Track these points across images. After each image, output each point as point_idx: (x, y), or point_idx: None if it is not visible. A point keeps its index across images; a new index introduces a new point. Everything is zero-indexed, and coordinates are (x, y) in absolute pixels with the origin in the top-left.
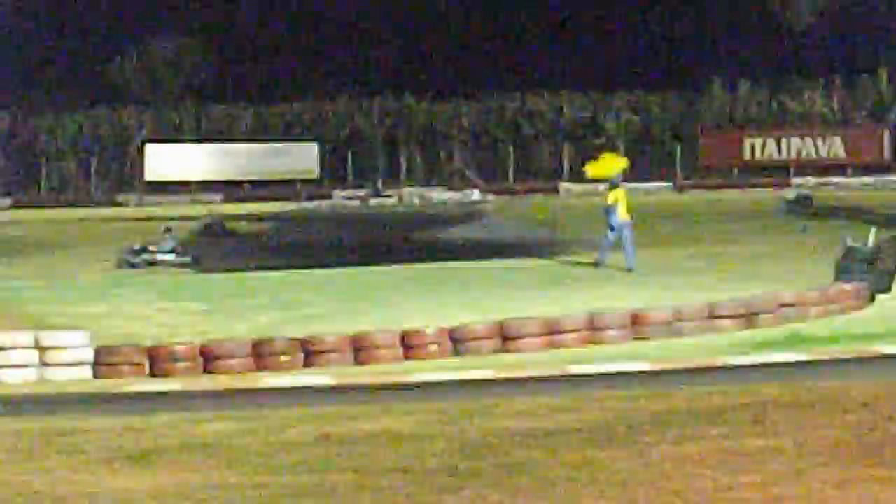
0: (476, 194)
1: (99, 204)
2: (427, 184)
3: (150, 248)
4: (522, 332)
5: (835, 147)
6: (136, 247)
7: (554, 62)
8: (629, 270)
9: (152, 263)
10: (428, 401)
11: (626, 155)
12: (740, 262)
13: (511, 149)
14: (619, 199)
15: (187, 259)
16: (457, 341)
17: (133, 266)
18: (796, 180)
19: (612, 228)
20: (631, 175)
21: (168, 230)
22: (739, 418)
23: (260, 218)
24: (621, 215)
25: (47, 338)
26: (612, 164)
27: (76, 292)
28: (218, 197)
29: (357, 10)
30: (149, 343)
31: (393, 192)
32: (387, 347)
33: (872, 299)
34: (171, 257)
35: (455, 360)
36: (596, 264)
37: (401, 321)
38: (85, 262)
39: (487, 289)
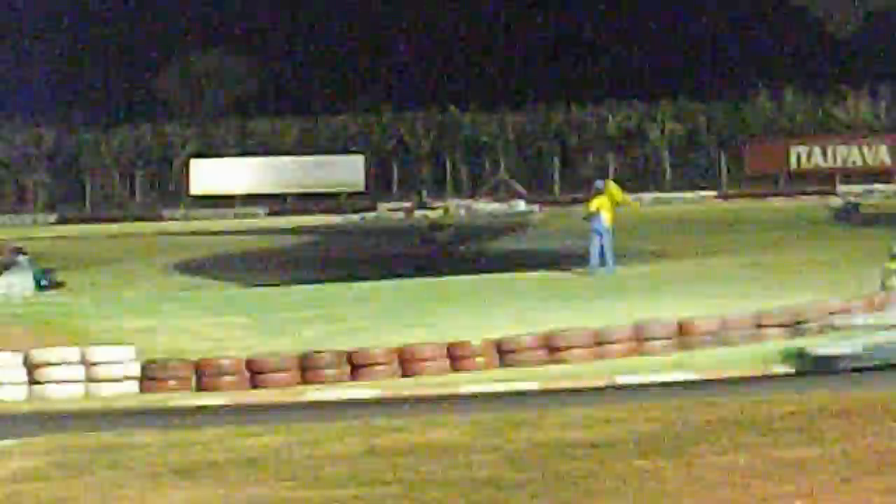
0: (522, 205)
1: (144, 219)
2: (472, 195)
3: None
4: (569, 343)
5: (881, 155)
6: None
7: (598, 72)
8: (604, 274)
9: None
10: (475, 412)
11: (670, 164)
12: (786, 271)
13: (556, 159)
14: (601, 206)
15: (44, 283)
16: (503, 353)
17: None
18: (842, 188)
19: (600, 234)
20: (676, 184)
21: (19, 250)
22: (786, 428)
23: None
24: (605, 221)
25: (94, 353)
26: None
27: (121, 307)
28: (263, 210)
29: (402, 22)
30: (195, 358)
31: (438, 203)
32: (433, 360)
33: None
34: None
35: (502, 372)
36: (588, 274)
37: (447, 333)
38: (130, 278)
39: (533, 300)
